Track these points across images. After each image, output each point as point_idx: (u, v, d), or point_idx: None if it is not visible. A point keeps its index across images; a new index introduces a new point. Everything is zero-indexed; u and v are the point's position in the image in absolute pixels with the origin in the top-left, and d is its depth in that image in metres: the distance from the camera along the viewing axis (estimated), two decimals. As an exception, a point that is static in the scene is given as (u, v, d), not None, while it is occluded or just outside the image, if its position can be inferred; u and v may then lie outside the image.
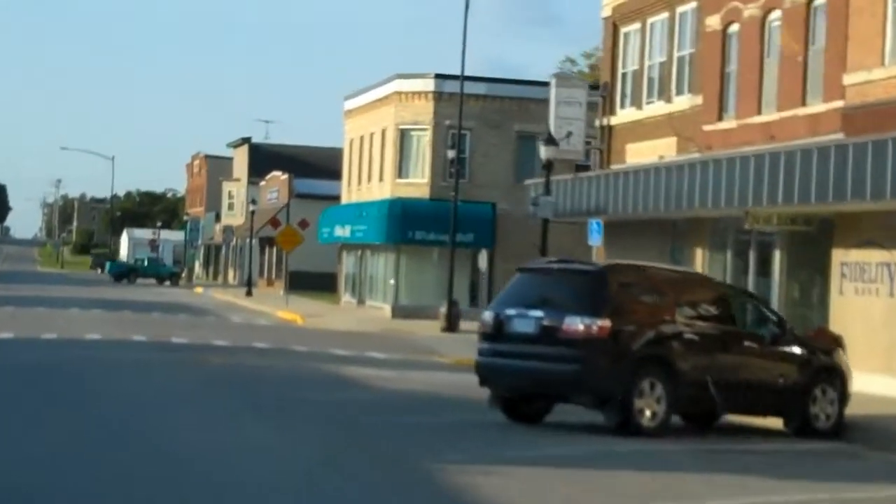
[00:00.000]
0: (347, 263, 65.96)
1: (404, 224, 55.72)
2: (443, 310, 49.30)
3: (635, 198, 32.72)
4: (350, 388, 25.18)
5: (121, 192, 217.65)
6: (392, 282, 57.52)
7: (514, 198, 57.46)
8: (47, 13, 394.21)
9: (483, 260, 50.69)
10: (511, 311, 19.73)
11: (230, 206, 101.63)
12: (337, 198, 70.95)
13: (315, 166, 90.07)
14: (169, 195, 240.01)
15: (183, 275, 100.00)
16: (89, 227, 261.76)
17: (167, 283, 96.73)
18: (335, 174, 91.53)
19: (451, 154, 52.01)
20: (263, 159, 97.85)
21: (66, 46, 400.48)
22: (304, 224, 65.15)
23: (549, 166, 34.80)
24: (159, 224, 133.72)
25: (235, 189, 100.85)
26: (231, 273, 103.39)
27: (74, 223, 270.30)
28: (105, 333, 37.41)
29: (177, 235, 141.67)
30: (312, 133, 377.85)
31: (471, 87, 51.57)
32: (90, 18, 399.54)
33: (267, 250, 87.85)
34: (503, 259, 54.99)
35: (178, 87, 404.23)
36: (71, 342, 34.02)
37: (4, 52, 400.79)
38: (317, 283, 79.61)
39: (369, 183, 61.69)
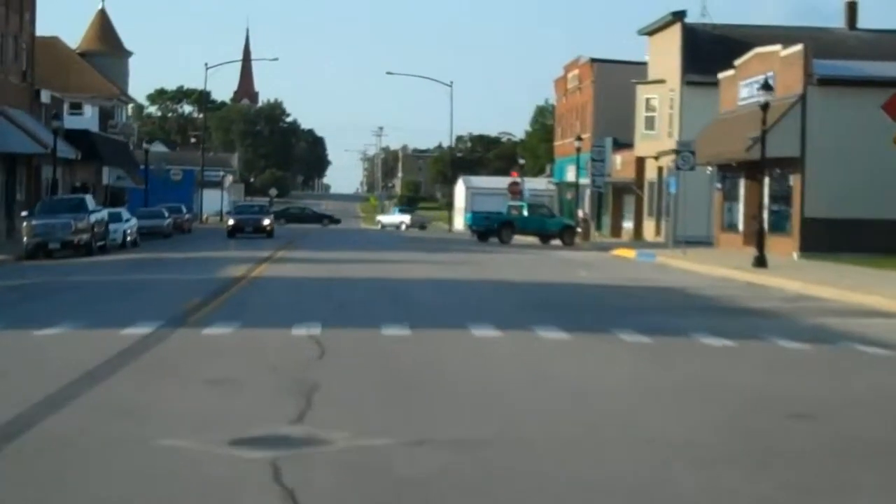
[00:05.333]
0: None
1: None
2: None
3: None
4: None
5: (447, 141, 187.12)
6: None
7: None
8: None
9: None
10: None
11: (648, 124, 66.46)
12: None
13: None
14: (504, 140, 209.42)
15: (579, 229, 65.51)
16: (415, 178, 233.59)
17: (554, 241, 62.60)
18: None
19: None
20: (702, 50, 62.30)
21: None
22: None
23: None
24: (521, 161, 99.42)
25: (659, 95, 65.49)
26: (651, 225, 68.20)
27: (399, 174, 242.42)
28: None
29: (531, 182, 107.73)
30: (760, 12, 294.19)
31: None
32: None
33: (742, 185, 51.88)
34: None
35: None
36: None
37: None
38: (844, 238, 44.18)
39: None
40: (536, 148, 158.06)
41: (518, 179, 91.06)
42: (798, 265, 40.47)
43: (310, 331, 17.77)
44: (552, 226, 64.33)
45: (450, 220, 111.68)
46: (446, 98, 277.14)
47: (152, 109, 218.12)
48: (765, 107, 38.46)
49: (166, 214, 66.52)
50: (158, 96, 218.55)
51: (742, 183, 51.87)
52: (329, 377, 13.04)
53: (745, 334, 19.11)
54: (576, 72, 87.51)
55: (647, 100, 66.06)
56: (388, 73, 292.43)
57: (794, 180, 46.18)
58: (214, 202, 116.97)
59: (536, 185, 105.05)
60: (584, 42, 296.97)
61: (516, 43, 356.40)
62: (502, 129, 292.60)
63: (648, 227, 68.79)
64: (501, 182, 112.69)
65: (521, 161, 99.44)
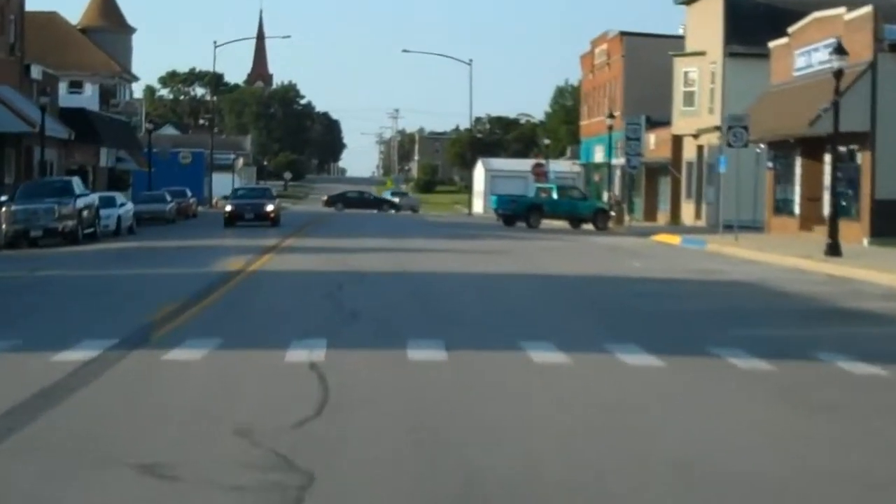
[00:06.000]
0: None
1: None
2: None
3: None
4: None
5: (465, 123, 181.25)
6: None
7: None
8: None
9: None
10: None
11: (687, 100, 61.52)
12: None
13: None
14: (523, 121, 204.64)
15: (613, 212, 60.65)
16: (431, 161, 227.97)
17: (586, 225, 57.82)
18: None
19: None
20: (745, 19, 57.32)
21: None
22: None
23: None
24: (546, 142, 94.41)
25: (699, 69, 60.52)
26: (690, 208, 63.28)
27: (416, 157, 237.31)
28: None
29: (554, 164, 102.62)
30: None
31: None
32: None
33: (798, 164, 46.84)
34: None
35: None
36: None
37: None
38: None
39: None
40: (557, 129, 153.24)
41: (543, 161, 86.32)
42: (872, 253, 35.66)
43: (311, 354, 13.10)
44: (584, 209, 59.52)
45: (469, 204, 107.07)
46: (464, 78, 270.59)
47: (164, 92, 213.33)
48: (838, 73, 33.58)
49: (168, 199, 61.86)
50: (170, 79, 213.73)
51: (798, 162, 46.97)
52: (329, 453, 8.30)
53: (890, 355, 14.35)
54: (604, 46, 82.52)
55: (686, 73, 61.12)
56: (405, 50, 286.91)
57: (861, 158, 41.27)
58: (225, 186, 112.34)
59: (560, 166, 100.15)
60: (608, 17, 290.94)
61: (537, 20, 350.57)
62: (521, 110, 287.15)
63: (687, 210, 63.90)
64: (522, 164, 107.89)
65: (547, 142, 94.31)
